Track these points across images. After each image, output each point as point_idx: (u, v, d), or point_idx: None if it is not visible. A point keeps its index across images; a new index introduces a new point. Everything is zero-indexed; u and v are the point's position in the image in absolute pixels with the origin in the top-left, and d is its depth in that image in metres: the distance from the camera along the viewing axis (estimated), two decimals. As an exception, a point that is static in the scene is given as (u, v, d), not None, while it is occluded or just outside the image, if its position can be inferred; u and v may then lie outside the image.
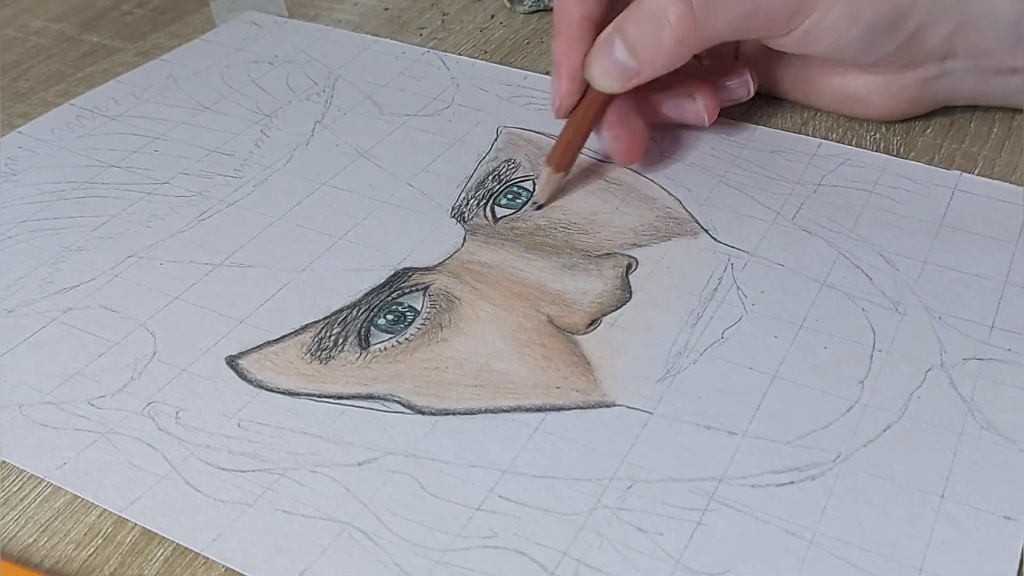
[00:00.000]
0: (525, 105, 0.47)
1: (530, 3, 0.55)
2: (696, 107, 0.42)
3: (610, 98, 0.40)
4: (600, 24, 0.39)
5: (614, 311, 0.36)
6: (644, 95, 0.41)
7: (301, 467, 0.31)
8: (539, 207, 0.40)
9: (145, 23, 0.56)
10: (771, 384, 0.33)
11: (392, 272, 0.38)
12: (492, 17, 0.55)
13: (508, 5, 0.55)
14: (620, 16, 0.38)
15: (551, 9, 0.46)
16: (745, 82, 0.43)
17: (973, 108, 0.45)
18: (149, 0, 0.59)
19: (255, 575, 0.28)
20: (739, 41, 0.44)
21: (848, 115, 0.45)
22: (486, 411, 0.32)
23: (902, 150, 0.43)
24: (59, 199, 0.42)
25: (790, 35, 0.39)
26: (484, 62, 0.51)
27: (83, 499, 0.30)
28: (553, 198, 0.41)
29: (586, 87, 0.40)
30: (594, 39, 0.39)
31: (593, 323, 0.35)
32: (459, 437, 0.31)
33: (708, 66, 0.44)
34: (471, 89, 0.49)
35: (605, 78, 0.38)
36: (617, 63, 0.38)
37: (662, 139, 0.44)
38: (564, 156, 0.40)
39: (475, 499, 0.30)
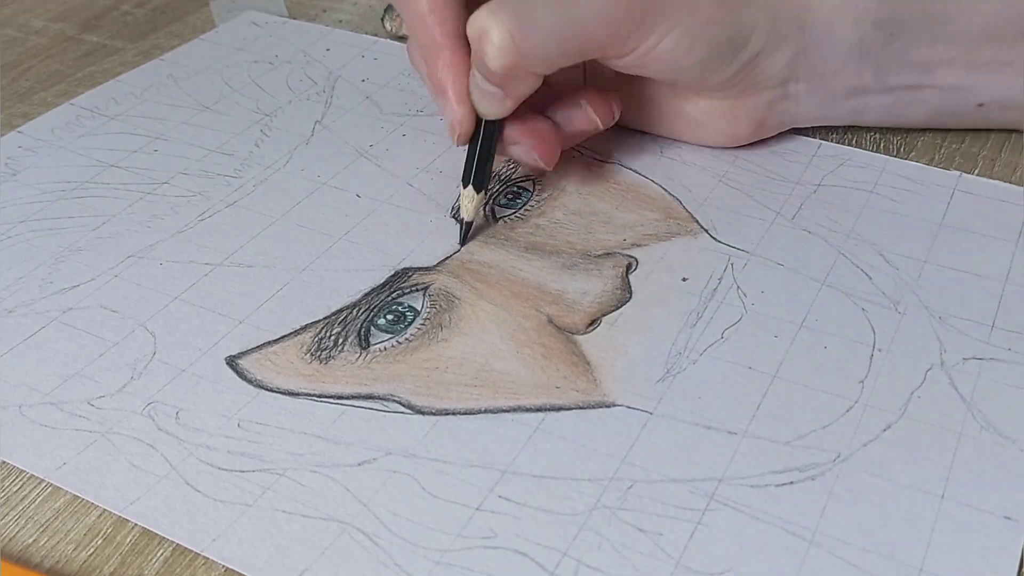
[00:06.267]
0: (525, 105, 0.47)
1: (393, 27, 0.53)
2: (585, 112, 0.40)
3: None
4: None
5: (614, 311, 0.36)
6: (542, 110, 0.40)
7: (301, 467, 0.31)
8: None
9: (145, 23, 0.56)
10: (771, 384, 0.33)
11: (392, 272, 0.38)
12: (492, 17, 0.55)
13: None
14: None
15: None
16: (606, 103, 0.40)
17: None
18: (149, 0, 0.59)
19: (255, 575, 0.28)
20: (586, 66, 0.41)
21: (688, 141, 0.43)
22: (486, 411, 0.32)
23: (902, 150, 0.43)
24: (59, 199, 0.42)
25: (627, 57, 0.37)
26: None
27: (83, 499, 0.30)
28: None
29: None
30: (468, 55, 0.37)
31: (593, 323, 0.35)
32: (459, 437, 0.31)
33: (558, 91, 0.40)
34: (471, 89, 0.49)
35: (482, 106, 0.38)
36: (481, 90, 0.37)
37: (662, 139, 0.44)
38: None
39: (475, 499, 0.30)
